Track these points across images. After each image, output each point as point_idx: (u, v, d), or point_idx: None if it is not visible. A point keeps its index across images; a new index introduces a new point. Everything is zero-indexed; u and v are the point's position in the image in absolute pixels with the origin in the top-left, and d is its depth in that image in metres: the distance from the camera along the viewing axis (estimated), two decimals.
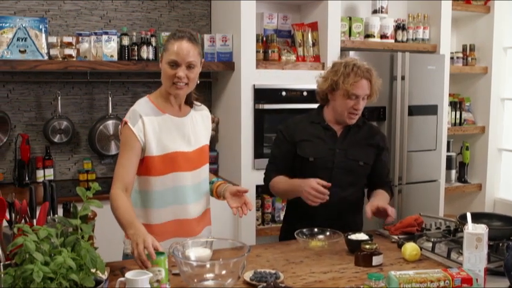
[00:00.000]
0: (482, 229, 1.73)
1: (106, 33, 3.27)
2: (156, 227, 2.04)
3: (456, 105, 4.39)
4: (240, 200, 2.07)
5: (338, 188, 2.28)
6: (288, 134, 2.39)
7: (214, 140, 3.82)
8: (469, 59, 4.37)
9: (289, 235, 2.27)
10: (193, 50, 1.97)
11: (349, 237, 2.07)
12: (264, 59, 3.53)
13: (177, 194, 2.04)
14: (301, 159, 2.36)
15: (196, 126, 2.12)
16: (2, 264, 1.49)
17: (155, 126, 1.99)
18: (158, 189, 2.03)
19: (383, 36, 3.89)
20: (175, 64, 1.96)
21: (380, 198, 2.31)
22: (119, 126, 2.06)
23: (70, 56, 3.21)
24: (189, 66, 1.97)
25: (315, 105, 2.49)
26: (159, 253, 1.64)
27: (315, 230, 2.18)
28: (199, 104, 2.21)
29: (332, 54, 3.61)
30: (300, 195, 2.17)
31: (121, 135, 2.02)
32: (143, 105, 2.03)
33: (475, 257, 1.71)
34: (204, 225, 2.17)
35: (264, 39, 3.58)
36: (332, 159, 2.33)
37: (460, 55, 4.37)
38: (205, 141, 2.16)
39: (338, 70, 2.30)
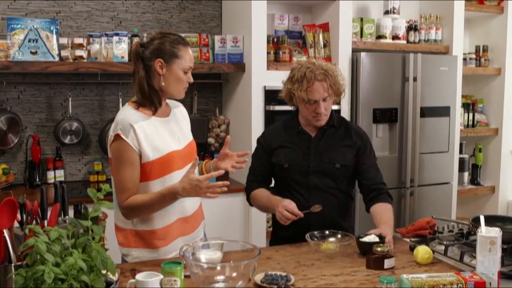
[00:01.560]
0: (495, 232, 1.72)
1: (117, 34, 3.28)
2: (160, 231, 2.04)
3: (469, 106, 4.35)
4: (230, 159, 2.11)
5: (318, 191, 2.27)
6: (265, 143, 2.38)
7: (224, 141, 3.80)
8: (482, 60, 4.33)
9: (276, 242, 2.33)
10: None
11: (361, 239, 2.05)
12: (275, 60, 3.52)
13: None
14: (277, 167, 2.34)
15: (180, 122, 2.15)
16: (13, 265, 1.50)
17: (146, 131, 1.98)
18: None
19: (395, 37, 3.87)
20: (188, 71, 2.04)
21: (385, 225, 2.14)
22: (109, 138, 2.01)
23: (81, 57, 3.22)
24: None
25: None
26: (175, 263, 1.62)
27: (326, 232, 2.16)
28: (172, 100, 2.21)
29: (344, 56, 3.59)
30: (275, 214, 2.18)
31: (115, 149, 1.97)
32: (129, 113, 1.99)
33: (488, 260, 1.69)
34: (200, 220, 2.20)
35: (275, 40, 3.57)
36: (307, 164, 2.29)
37: (473, 56, 4.33)
38: (191, 135, 2.18)
39: (293, 77, 2.26)
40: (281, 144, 2.34)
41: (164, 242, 2.05)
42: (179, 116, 2.17)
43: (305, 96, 2.20)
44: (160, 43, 2.01)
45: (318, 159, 2.29)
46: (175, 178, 2.02)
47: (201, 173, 2.20)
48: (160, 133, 2.02)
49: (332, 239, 2.14)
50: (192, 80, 2.06)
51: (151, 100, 2.02)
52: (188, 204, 2.10)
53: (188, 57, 2.03)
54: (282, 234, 2.32)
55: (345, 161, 2.30)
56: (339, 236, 2.15)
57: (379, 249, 1.89)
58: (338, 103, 3.47)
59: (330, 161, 2.28)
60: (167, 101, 2.16)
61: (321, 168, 2.28)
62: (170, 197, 1.92)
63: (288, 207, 2.12)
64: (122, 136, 1.93)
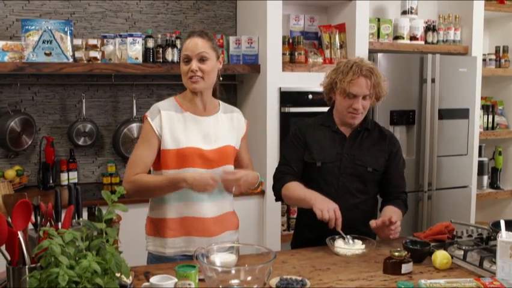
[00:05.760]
0: None
1: (131, 35, 3.28)
2: (170, 221, 2.07)
3: (488, 108, 4.31)
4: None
5: (347, 194, 2.24)
6: (301, 135, 2.33)
7: None
8: (502, 61, 4.28)
9: (300, 243, 2.30)
10: (203, 43, 2.05)
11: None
12: (291, 61, 3.50)
13: (190, 190, 2.02)
14: (309, 165, 2.29)
15: (221, 126, 2.14)
16: (27, 267, 1.50)
17: (173, 120, 2.06)
18: None
19: (413, 37, 3.84)
20: (187, 59, 2.04)
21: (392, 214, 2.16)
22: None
23: (95, 58, 3.22)
24: (201, 59, 2.04)
25: None
26: (190, 266, 1.63)
27: (348, 237, 2.12)
28: (230, 106, 2.25)
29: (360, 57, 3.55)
30: (314, 208, 2.09)
31: (142, 128, 2.13)
32: (165, 101, 2.13)
33: (509, 266, 1.69)
34: (224, 229, 2.15)
35: (291, 41, 3.56)
36: (339, 165, 2.25)
37: (493, 57, 4.28)
38: (230, 142, 2.15)
39: (338, 68, 2.24)
40: (315, 141, 2.30)
41: (173, 233, 2.07)
42: (226, 121, 2.17)
43: (347, 88, 2.17)
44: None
45: (351, 161, 2.25)
46: None
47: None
48: (187, 128, 2.07)
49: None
50: (194, 67, 2.02)
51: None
52: (206, 206, 2.08)
53: (186, 46, 2.06)
54: (306, 236, 2.27)
55: (377, 166, 2.27)
56: (360, 241, 2.12)
57: (396, 254, 1.86)
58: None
59: (362, 164, 2.25)
60: (222, 105, 2.20)
61: (353, 170, 2.25)
62: (175, 181, 1.97)
63: (337, 211, 2.08)
64: (148, 118, 2.07)
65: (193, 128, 2.07)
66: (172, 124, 2.05)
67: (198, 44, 2.03)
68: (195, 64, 2.02)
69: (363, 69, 2.17)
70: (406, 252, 1.87)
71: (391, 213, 2.19)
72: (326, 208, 2.06)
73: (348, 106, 2.21)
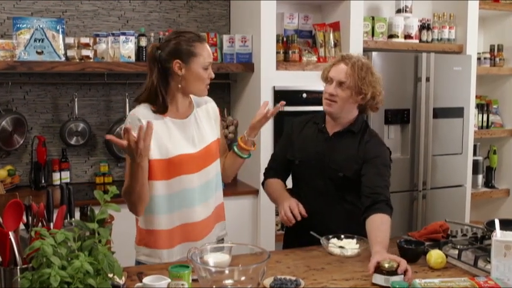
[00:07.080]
0: (511, 236, 1.70)
1: (124, 34, 3.27)
2: (163, 232, 2.02)
3: (483, 107, 4.30)
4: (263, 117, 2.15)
5: (322, 196, 2.21)
6: (290, 133, 2.35)
7: (233, 142, 3.77)
8: (497, 59, 4.28)
9: (290, 245, 2.28)
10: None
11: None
12: (285, 60, 3.50)
13: (183, 197, 2.01)
14: (290, 162, 2.30)
15: (200, 124, 2.10)
16: (19, 268, 1.49)
17: (155, 129, 1.94)
18: (164, 194, 2.00)
19: (407, 36, 3.84)
20: (208, 67, 2.01)
21: (382, 244, 1.91)
22: (121, 133, 1.98)
23: (87, 57, 3.20)
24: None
25: None
26: (183, 266, 1.62)
27: (342, 236, 2.11)
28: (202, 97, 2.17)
29: None
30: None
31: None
32: (142, 109, 2.02)
33: (503, 265, 1.68)
34: (215, 222, 2.14)
35: (285, 39, 3.55)
36: (316, 165, 2.22)
37: (488, 56, 4.28)
38: (212, 137, 2.12)
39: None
40: (300, 138, 2.30)
41: (167, 245, 2.03)
42: (203, 115, 2.13)
43: (327, 72, 2.19)
44: (176, 43, 1.98)
45: (327, 162, 2.21)
46: (183, 182, 2.00)
47: (239, 150, 2.18)
48: (171, 135, 2.00)
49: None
50: (212, 76, 2.03)
51: (158, 102, 2.00)
52: (199, 209, 2.05)
53: (206, 53, 2.00)
54: (298, 237, 2.24)
55: (348, 172, 2.17)
56: (354, 240, 2.10)
57: (386, 265, 1.76)
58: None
59: (334, 167, 2.19)
60: (194, 98, 2.13)
61: (326, 172, 2.20)
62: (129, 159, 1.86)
63: (293, 209, 2.09)
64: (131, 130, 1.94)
65: (177, 134, 2.01)
66: (156, 133, 1.95)
67: (210, 52, 2.03)
68: (211, 71, 2.03)
69: (347, 59, 2.16)
70: (396, 264, 1.75)
71: (377, 235, 1.97)
72: (283, 214, 2.12)
73: (325, 92, 2.20)
